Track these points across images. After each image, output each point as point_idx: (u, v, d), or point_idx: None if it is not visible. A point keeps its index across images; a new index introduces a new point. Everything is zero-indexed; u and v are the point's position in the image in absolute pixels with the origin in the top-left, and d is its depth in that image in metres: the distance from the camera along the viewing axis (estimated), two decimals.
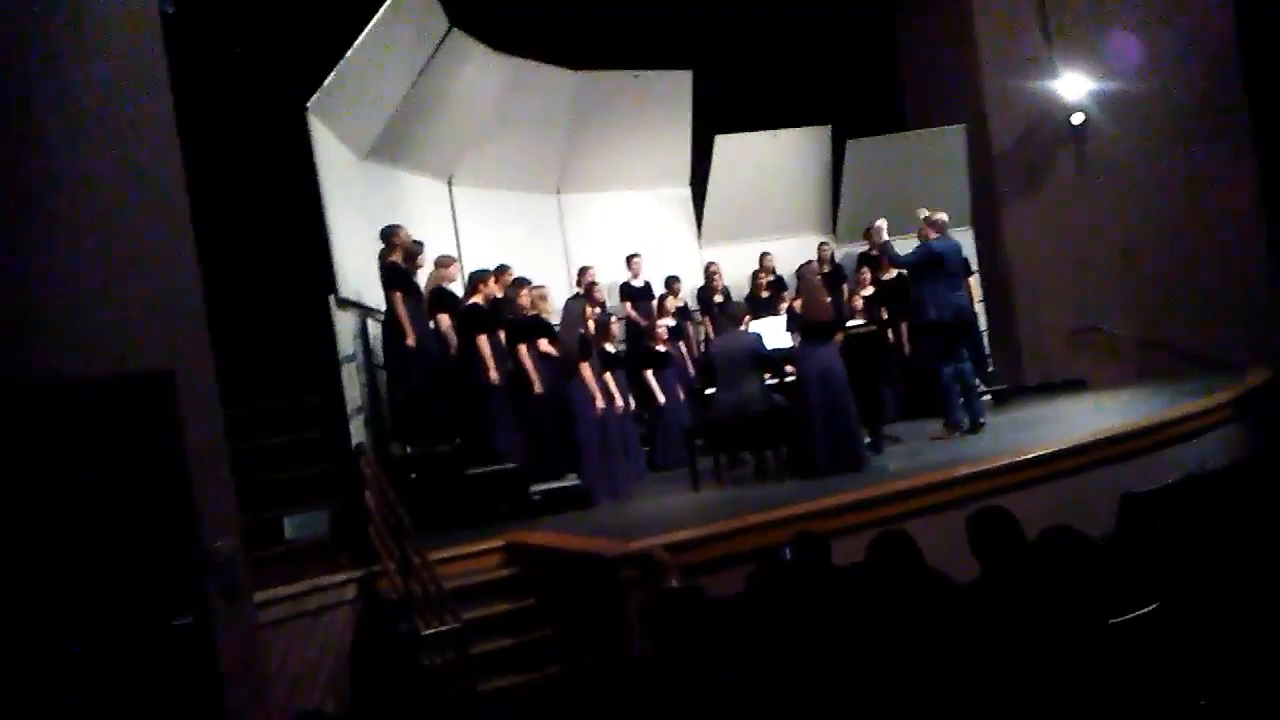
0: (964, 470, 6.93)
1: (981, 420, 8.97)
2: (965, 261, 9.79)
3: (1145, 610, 3.18)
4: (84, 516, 4.70)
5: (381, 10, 8.29)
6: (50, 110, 4.77)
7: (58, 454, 4.68)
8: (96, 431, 4.82)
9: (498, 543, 6.89)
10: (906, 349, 10.73)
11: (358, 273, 8.32)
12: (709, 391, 8.63)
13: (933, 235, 8.99)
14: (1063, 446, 7.30)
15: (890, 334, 10.69)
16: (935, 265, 8.83)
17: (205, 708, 4.92)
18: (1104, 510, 5.78)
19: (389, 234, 8.33)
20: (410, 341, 8.06)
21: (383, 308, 8.36)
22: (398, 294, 8.13)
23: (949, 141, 12.42)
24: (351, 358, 8.01)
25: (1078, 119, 12.29)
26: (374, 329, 8.55)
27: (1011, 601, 3.19)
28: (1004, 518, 3.78)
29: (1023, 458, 7.07)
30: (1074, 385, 11.84)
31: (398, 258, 8.26)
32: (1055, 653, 2.93)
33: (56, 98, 4.79)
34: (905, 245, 11.02)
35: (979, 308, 11.81)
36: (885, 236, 9.30)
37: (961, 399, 8.94)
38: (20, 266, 4.63)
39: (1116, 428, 7.81)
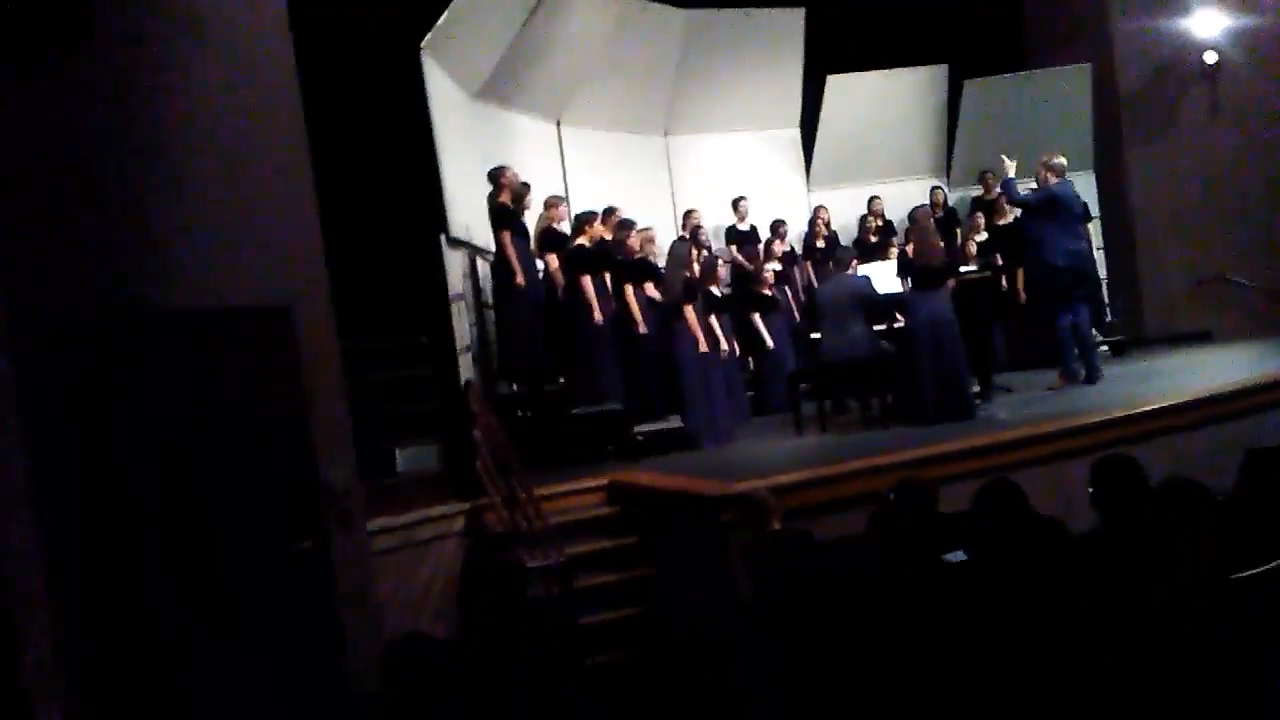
0: (1076, 421, 6.76)
1: (1098, 372, 8.73)
2: (1085, 206, 9.47)
3: (1270, 566, 3.08)
4: (206, 446, 4.87)
5: None
6: (170, 49, 4.87)
7: (182, 386, 4.85)
8: (219, 364, 4.99)
9: (601, 481, 6.96)
10: (1022, 296, 10.45)
11: (468, 212, 8.42)
12: (814, 336, 8.55)
13: (1051, 179, 8.73)
14: (1183, 399, 7.07)
15: (1004, 281, 10.42)
16: (1053, 209, 8.58)
17: (322, 630, 5.11)
18: (1226, 467, 5.58)
19: (496, 175, 8.39)
20: (519, 281, 8.15)
21: (492, 247, 8.46)
22: (506, 234, 8.21)
23: (1072, 82, 11.96)
24: (461, 296, 8.14)
25: (1210, 58, 11.71)
26: (483, 268, 8.67)
27: (1133, 551, 3.12)
28: (1131, 466, 3.69)
29: (1139, 410, 6.87)
30: (1198, 337, 11.41)
31: (506, 198, 8.33)
32: (1178, 605, 2.86)
33: (177, 37, 4.89)
34: (1023, 189, 10.73)
35: (1098, 255, 11.45)
36: (1011, 173, 9.01)
37: (1077, 350, 8.71)
38: (145, 204, 4.78)
39: (1241, 382, 7.52)
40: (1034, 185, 8.97)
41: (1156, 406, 6.92)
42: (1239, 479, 4.12)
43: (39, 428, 4.34)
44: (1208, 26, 11.62)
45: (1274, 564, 3.12)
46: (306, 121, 5.32)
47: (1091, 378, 8.66)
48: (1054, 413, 7.38)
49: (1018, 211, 9.95)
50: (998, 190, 11.18)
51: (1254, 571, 3.07)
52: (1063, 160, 8.83)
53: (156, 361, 4.81)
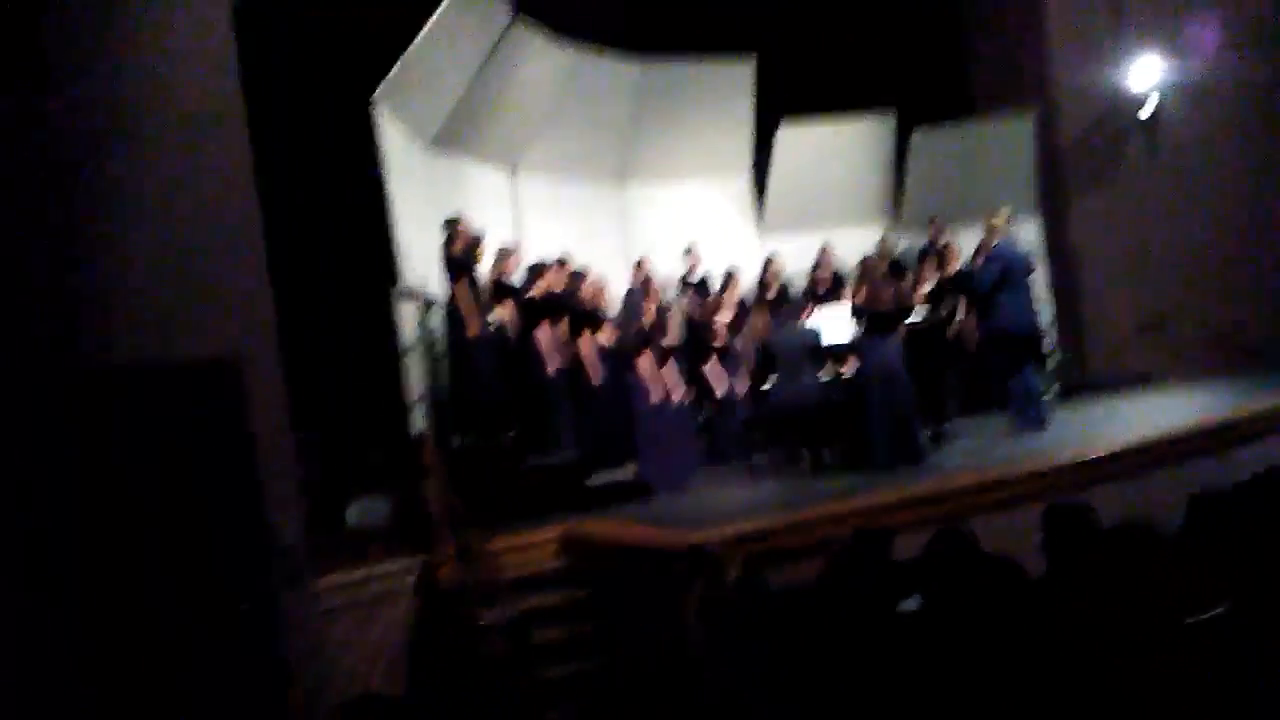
0: (1028, 467, 6.83)
1: (1046, 420, 8.84)
2: (1028, 257, 9.64)
3: (1217, 611, 3.11)
4: (151, 501, 4.78)
5: (446, 1, 8.34)
6: (120, 100, 4.85)
7: (127, 440, 4.78)
8: (165, 418, 4.92)
9: (555, 533, 6.91)
10: (972, 344, 10.57)
11: (422, 261, 8.39)
12: (765, 386, 8.58)
13: (996, 239, 8.92)
14: (1129, 444, 7.16)
15: (955, 326, 10.54)
16: (1008, 277, 8.78)
17: (269, 691, 5.00)
18: (1172, 510, 5.65)
19: (451, 225, 8.39)
20: (472, 332, 8.12)
21: (444, 297, 8.42)
22: (459, 284, 8.18)
23: (1017, 130, 12.19)
24: (413, 347, 8.08)
25: (1149, 107, 12.02)
26: (435, 319, 8.62)
27: (1084, 596, 3.13)
28: (1082, 512, 3.73)
29: (1088, 456, 6.95)
30: (1141, 380, 11.59)
31: (459, 248, 8.32)
32: (1129, 650, 2.87)
33: (126, 87, 4.87)
34: (968, 238, 10.90)
35: (1043, 298, 11.63)
36: (1008, 228, 9.13)
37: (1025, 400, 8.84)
38: (92, 258, 4.73)
39: (1184, 426, 7.63)
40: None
41: (1101, 453, 7.00)
42: (1184, 523, 4.17)
43: None
44: (1146, 76, 11.92)
45: (1220, 608, 3.14)
46: (257, 173, 5.30)
47: (1040, 424, 8.76)
48: (1005, 458, 7.44)
49: (965, 261, 10.15)
50: (944, 240, 11.37)
51: (1204, 616, 3.09)
52: (1006, 216, 9.03)
53: (101, 414, 4.73)
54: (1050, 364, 11.41)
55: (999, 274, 8.76)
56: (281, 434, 5.21)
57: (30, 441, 4.47)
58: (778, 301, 10.73)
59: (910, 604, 3.92)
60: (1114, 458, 6.95)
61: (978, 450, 8.35)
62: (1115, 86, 12.08)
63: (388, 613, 6.34)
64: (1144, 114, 12.00)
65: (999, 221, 8.99)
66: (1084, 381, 11.88)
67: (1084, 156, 12.41)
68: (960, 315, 10.48)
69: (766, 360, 8.91)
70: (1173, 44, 11.82)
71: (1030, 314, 9.01)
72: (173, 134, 5.00)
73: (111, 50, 4.84)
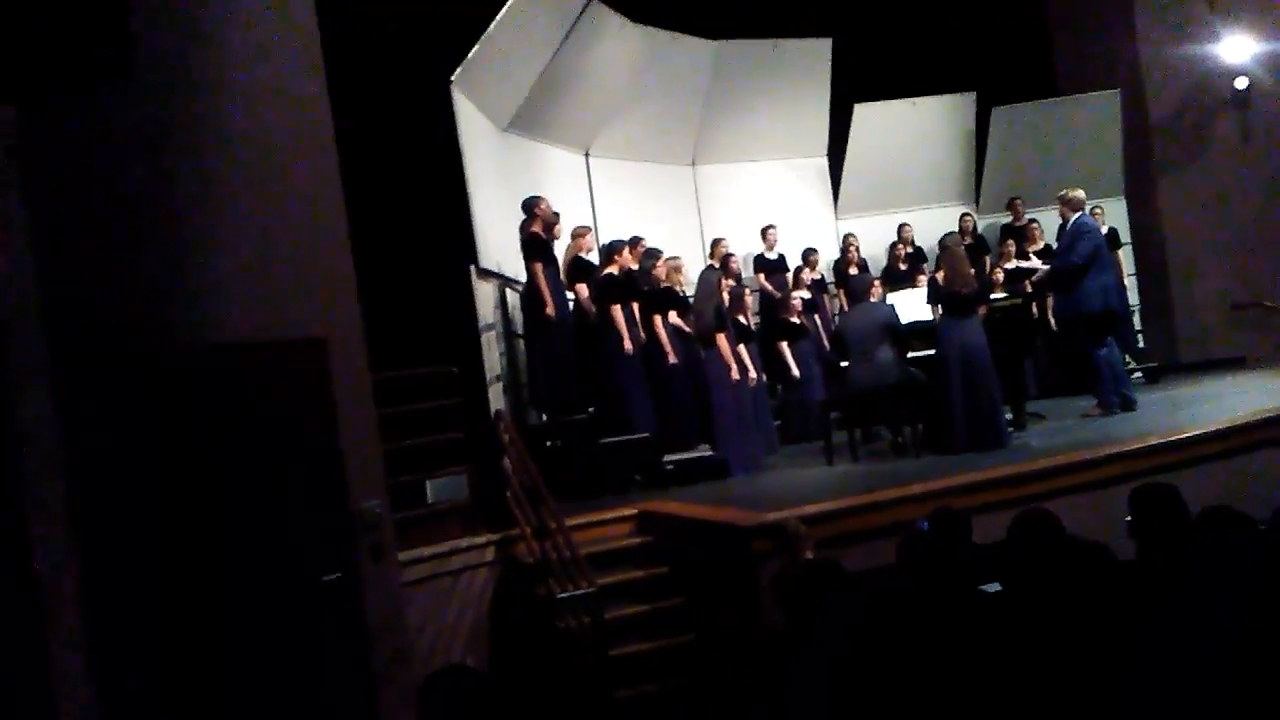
0: (1111, 449, 6.69)
1: (1133, 401, 8.65)
2: (1113, 233, 9.42)
3: None
4: (239, 478, 4.90)
5: None
6: (205, 81, 4.93)
7: (217, 417, 4.90)
8: (254, 397, 5.03)
9: (631, 511, 6.96)
10: (1053, 323, 10.37)
11: (497, 243, 8.47)
12: (843, 364, 8.53)
13: (1070, 215, 8.71)
14: (1220, 426, 6.98)
15: (1035, 308, 10.36)
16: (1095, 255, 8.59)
17: (351, 661, 5.11)
18: (1266, 495, 5.51)
19: (531, 204, 8.44)
20: (549, 311, 8.18)
21: (521, 277, 8.49)
22: (538, 264, 8.24)
23: (1102, 108, 11.92)
24: (491, 326, 8.17)
25: (1241, 83, 11.65)
26: (512, 298, 8.70)
27: (1173, 581, 3.07)
28: (1170, 494, 3.64)
29: (1176, 437, 6.79)
30: (1232, 363, 11.29)
31: (538, 228, 8.38)
32: (1219, 637, 2.81)
33: (212, 69, 4.96)
34: (1045, 218, 10.70)
35: (1128, 281, 11.38)
36: (1085, 203, 8.92)
37: (1113, 380, 8.65)
38: (180, 238, 4.84)
39: (1278, 408, 7.42)
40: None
41: (1189, 435, 6.84)
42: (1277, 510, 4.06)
43: (77, 457, 4.39)
44: (1238, 52, 11.56)
45: None
46: (339, 156, 5.38)
47: (1127, 406, 8.59)
48: (1089, 441, 7.30)
49: (1048, 241, 9.96)
50: (1027, 218, 11.17)
51: None
52: (1081, 193, 8.81)
53: (193, 393, 4.86)
54: (1137, 345, 11.18)
55: (1093, 249, 8.57)
56: (365, 410, 5.30)
57: (128, 421, 4.61)
58: (856, 280, 10.64)
59: (992, 587, 3.88)
60: (1202, 439, 6.78)
61: (1062, 431, 8.21)
62: (1205, 64, 11.74)
63: (467, 587, 6.44)
64: (1237, 88, 11.62)
65: (1069, 194, 8.74)
66: (1173, 363, 11.61)
67: (1172, 135, 12.10)
68: (1044, 294, 10.29)
69: (841, 340, 8.84)
70: (1264, 19, 11.43)
71: (1115, 293, 8.81)
72: (260, 121, 5.08)
73: (202, 40, 4.94)
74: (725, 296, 8.73)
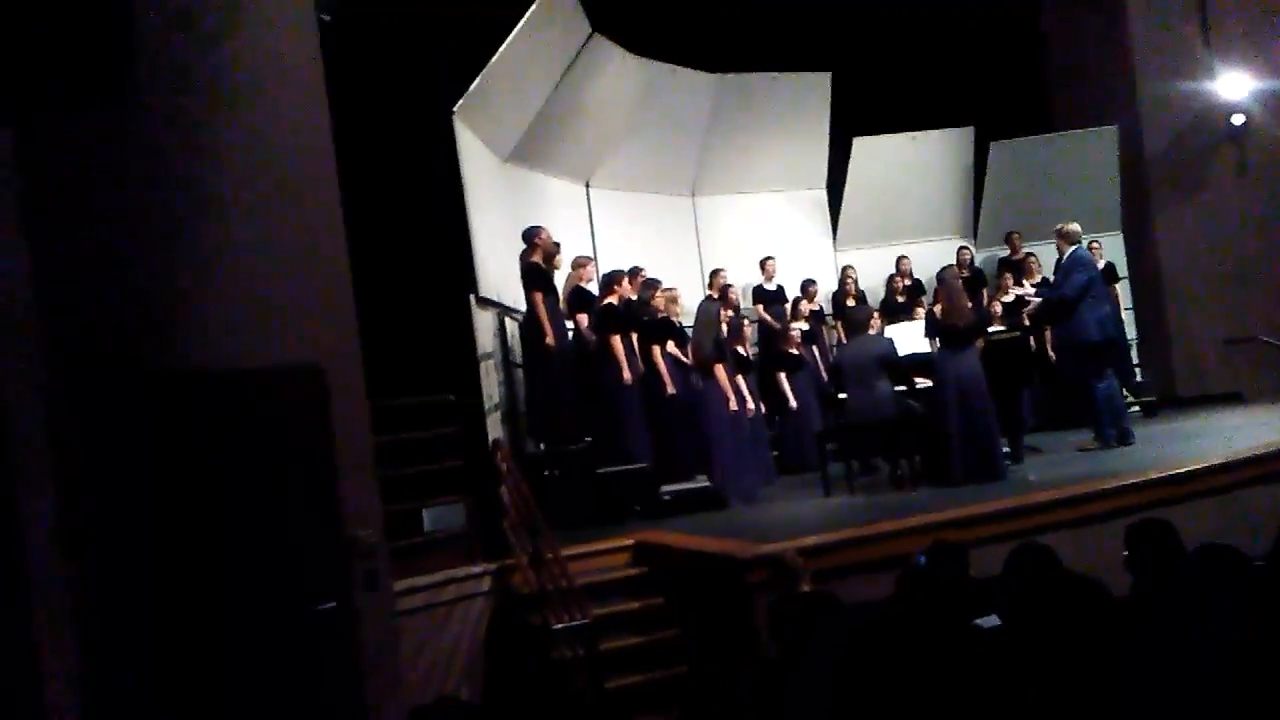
0: (1108, 483, 6.69)
1: (1130, 435, 8.66)
2: (1109, 266, 9.46)
3: None
4: (234, 503, 4.89)
5: (526, 16, 8.46)
6: (208, 109, 4.97)
7: (212, 444, 4.90)
8: (251, 422, 5.03)
9: (627, 541, 6.94)
10: (1052, 356, 10.39)
11: (497, 272, 8.50)
12: (841, 396, 8.53)
13: (1067, 248, 8.77)
14: (1216, 461, 6.98)
15: (1033, 341, 10.38)
16: (1091, 285, 8.66)
17: (345, 690, 5.08)
18: (1261, 531, 5.50)
19: (531, 235, 8.48)
20: (549, 341, 8.20)
21: (520, 307, 8.52)
22: (538, 294, 8.27)
23: (1099, 143, 12.00)
24: (490, 355, 8.18)
25: (1238, 120, 11.73)
26: (511, 327, 8.72)
27: (1166, 616, 3.07)
28: (1166, 530, 3.64)
29: (1173, 472, 6.79)
30: (1229, 398, 11.30)
31: (538, 258, 8.41)
32: (1212, 673, 2.81)
33: (216, 98, 5.00)
34: (1044, 252, 10.74)
35: (1127, 315, 11.41)
36: (1081, 236, 8.99)
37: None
38: (180, 265, 4.85)
39: (1275, 443, 7.42)
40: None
41: (1187, 469, 6.84)
42: (1275, 545, 4.05)
43: (69, 476, 4.39)
44: (1234, 88, 11.65)
45: None
46: (340, 185, 5.41)
47: (1124, 440, 8.59)
48: (1086, 474, 7.30)
49: (1045, 275, 9.99)
50: (1025, 251, 11.21)
51: None
52: (1077, 227, 8.88)
53: (189, 417, 4.86)
54: (1135, 379, 11.19)
55: (1086, 282, 8.62)
56: (362, 438, 5.30)
57: (123, 441, 4.61)
58: (854, 312, 10.67)
59: (988, 621, 3.87)
60: (1200, 474, 6.78)
61: (1059, 464, 8.21)
62: (1201, 100, 11.83)
63: (462, 617, 6.41)
64: (1234, 124, 11.70)
65: (1065, 227, 8.82)
66: (1170, 398, 11.62)
67: (1168, 170, 12.17)
68: (1041, 327, 10.32)
69: (838, 371, 8.86)
70: (1260, 56, 11.53)
71: (1111, 326, 8.85)
72: (262, 150, 5.11)
73: (201, 65, 4.98)
74: (724, 327, 8.76)
